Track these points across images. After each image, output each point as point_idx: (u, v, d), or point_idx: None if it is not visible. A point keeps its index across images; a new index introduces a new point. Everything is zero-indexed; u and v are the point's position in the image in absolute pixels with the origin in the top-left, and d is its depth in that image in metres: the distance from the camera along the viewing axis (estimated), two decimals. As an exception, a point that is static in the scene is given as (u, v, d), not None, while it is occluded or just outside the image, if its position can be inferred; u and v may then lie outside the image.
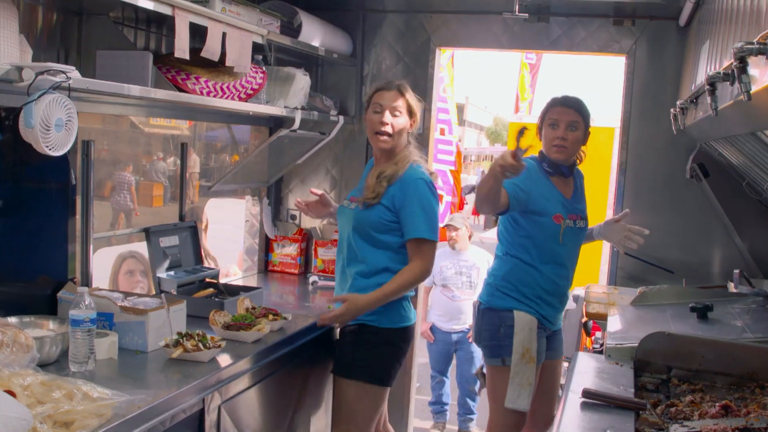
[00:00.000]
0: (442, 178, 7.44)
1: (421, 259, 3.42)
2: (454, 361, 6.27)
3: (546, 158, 3.71)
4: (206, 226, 5.22)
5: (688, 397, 2.35)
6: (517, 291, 3.66)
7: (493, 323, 3.69)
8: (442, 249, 6.27)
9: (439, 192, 7.31)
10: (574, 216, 3.67)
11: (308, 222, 5.11)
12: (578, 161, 3.83)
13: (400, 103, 3.47)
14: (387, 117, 3.45)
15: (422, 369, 5.84)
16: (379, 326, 3.46)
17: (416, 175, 3.43)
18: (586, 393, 2.19)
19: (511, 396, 3.61)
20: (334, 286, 3.70)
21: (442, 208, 7.30)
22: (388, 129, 3.45)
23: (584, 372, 2.51)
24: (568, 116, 3.67)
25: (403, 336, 3.53)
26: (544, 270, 3.66)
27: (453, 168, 7.69)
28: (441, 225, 6.20)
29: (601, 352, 2.82)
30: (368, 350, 3.48)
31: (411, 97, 3.51)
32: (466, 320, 5.96)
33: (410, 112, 3.50)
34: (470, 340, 5.93)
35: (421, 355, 5.26)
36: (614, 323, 3.19)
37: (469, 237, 6.25)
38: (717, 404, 2.23)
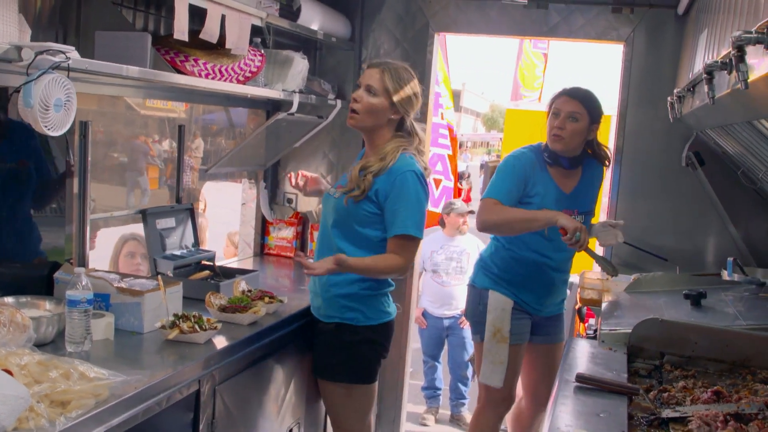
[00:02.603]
0: (441, 162, 7.44)
1: (403, 256, 3.18)
2: (446, 347, 6.30)
3: (547, 148, 3.74)
4: (204, 208, 5.24)
5: (680, 382, 2.37)
6: (496, 273, 3.79)
7: (474, 301, 3.88)
8: (432, 234, 6.29)
9: (438, 176, 7.31)
10: (570, 212, 3.68)
11: (304, 205, 5.11)
12: (606, 162, 3.89)
13: (375, 82, 3.20)
14: (358, 93, 3.23)
15: (415, 354, 5.87)
16: (358, 324, 3.28)
17: (406, 167, 3.18)
18: (580, 377, 2.20)
19: (484, 372, 3.79)
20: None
21: (438, 192, 7.30)
22: (356, 106, 3.22)
23: (578, 357, 2.53)
24: (570, 107, 3.68)
25: (384, 332, 3.37)
26: (525, 257, 3.75)
27: (450, 152, 7.69)
28: (446, 210, 6.22)
29: (594, 338, 2.83)
30: (348, 350, 3.32)
31: (389, 78, 3.20)
32: (458, 305, 5.98)
33: (387, 94, 3.20)
34: (462, 325, 5.96)
35: (413, 340, 5.28)
36: (608, 309, 3.21)
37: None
38: (709, 390, 2.25)
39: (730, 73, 2.04)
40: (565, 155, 3.72)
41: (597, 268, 4.20)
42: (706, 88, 2.54)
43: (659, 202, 4.54)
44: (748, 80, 1.90)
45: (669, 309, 3.13)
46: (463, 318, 5.90)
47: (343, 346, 3.31)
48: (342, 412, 3.42)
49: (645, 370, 2.53)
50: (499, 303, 3.75)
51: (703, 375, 2.51)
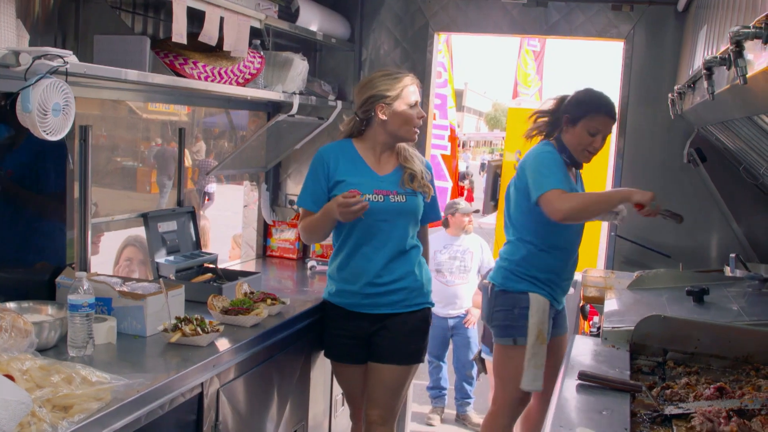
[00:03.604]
0: (432, 162, 7.44)
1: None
2: (450, 346, 6.29)
3: (566, 150, 3.72)
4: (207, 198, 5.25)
5: (683, 379, 2.36)
6: (532, 275, 3.73)
7: (507, 305, 3.76)
8: (435, 234, 6.29)
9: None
10: None
11: (306, 207, 5.10)
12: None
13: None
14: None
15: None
16: (432, 307, 3.64)
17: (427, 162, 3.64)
18: (582, 375, 2.20)
19: (527, 378, 3.69)
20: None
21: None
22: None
23: (581, 355, 2.52)
24: (608, 129, 3.71)
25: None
26: (555, 254, 3.73)
27: (446, 152, 7.67)
28: (450, 210, 6.22)
29: (598, 336, 2.83)
30: (427, 332, 3.63)
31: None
32: (462, 305, 5.98)
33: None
34: (467, 325, 5.94)
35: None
36: (611, 307, 3.20)
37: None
38: (712, 386, 2.24)
39: (729, 68, 2.04)
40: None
41: (600, 265, 4.21)
42: (705, 84, 2.54)
43: (661, 199, 4.51)
44: (747, 75, 1.90)
45: (672, 306, 3.12)
46: (469, 318, 5.87)
47: (427, 328, 3.60)
48: (403, 393, 3.57)
49: (648, 367, 2.52)
50: (540, 305, 3.70)
51: (706, 371, 2.50)
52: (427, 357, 6.24)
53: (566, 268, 3.77)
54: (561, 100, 3.86)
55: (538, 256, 3.73)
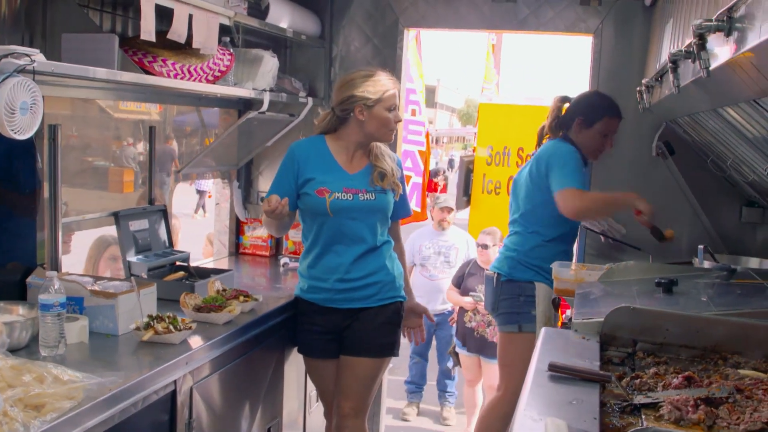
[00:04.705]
0: (411, 159, 7.46)
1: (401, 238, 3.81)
2: (432, 342, 6.30)
3: (577, 148, 3.96)
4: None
5: (652, 369, 2.38)
6: (538, 265, 3.95)
7: (512, 293, 4.00)
8: (421, 228, 6.32)
9: (408, 173, 7.32)
10: None
11: (279, 204, 5.09)
12: None
13: None
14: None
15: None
16: (403, 300, 3.66)
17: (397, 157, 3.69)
18: (552, 366, 2.21)
19: None
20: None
21: (409, 188, 7.31)
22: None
23: (552, 347, 2.54)
24: (617, 127, 4.02)
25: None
26: (561, 245, 4.00)
27: (422, 149, 7.70)
28: (434, 202, 6.24)
29: (569, 327, 2.85)
30: (400, 325, 3.66)
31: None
32: (446, 301, 5.98)
33: None
34: (452, 323, 5.95)
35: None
36: (581, 299, 3.22)
37: None
38: (680, 376, 2.26)
39: (693, 61, 2.06)
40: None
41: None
42: (671, 77, 2.57)
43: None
44: (710, 68, 1.93)
45: (641, 297, 3.14)
46: (454, 316, 5.87)
47: (399, 321, 3.62)
48: (375, 386, 3.60)
49: (618, 358, 2.54)
50: (547, 293, 3.89)
51: (675, 361, 2.52)
52: (408, 353, 6.28)
53: (567, 258, 4.00)
54: (561, 99, 4.13)
55: (546, 247, 3.96)
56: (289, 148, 3.55)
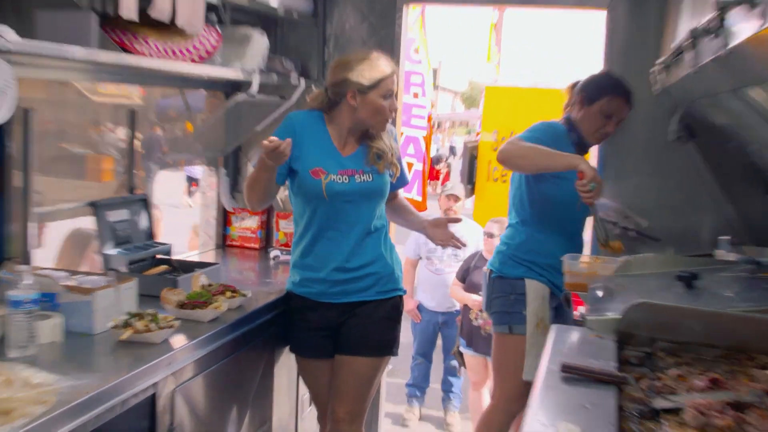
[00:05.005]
0: (414, 144, 7.44)
1: None
2: (438, 341, 6.27)
3: (576, 130, 3.89)
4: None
5: (673, 370, 2.35)
6: (530, 260, 3.86)
7: (503, 291, 3.90)
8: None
9: (410, 160, 7.29)
10: None
11: (270, 193, 5.06)
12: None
13: None
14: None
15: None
16: (403, 294, 3.64)
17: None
18: (565, 367, 2.18)
19: (529, 368, 3.77)
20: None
21: (410, 176, 7.28)
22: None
23: (564, 346, 2.51)
24: (624, 113, 3.89)
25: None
26: (558, 239, 3.86)
27: (425, 134, 7.68)
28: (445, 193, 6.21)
29: (582, 325, 2.82)
30: (400, 321, 3.63)
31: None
32: (455, 300, 5.93)
33: None
34: (458, 322, 5.91)
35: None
36: (595, 294, 3.19)
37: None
38: (704, 377, 2.23)
39: (714, 38, 2.02)
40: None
41: (585, 250, 4.20)
42: (690, 55, 2.53)
43: (648, 179, 4.52)
44: (732, 45, 1.88)
45: (661, 292, 3.11)
46: (461, 316, 5.82)
47: (399, 318, 3.61)
48: (373, 387, 3.56)
49: (636, 358, 2.51)
50: (538, 291, 3.83)
51: (698, 362, 2.49)
52: (410, 353, 6.25)
53: (566, 252, 3.74)
54: (573, 86, 4.03)
55: (538, 240, 3.86)
56: (287, 116, 3.54)
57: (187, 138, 4.56)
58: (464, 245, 3.88)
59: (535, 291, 3.82)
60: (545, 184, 3.81)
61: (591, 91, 3.85)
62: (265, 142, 3.16)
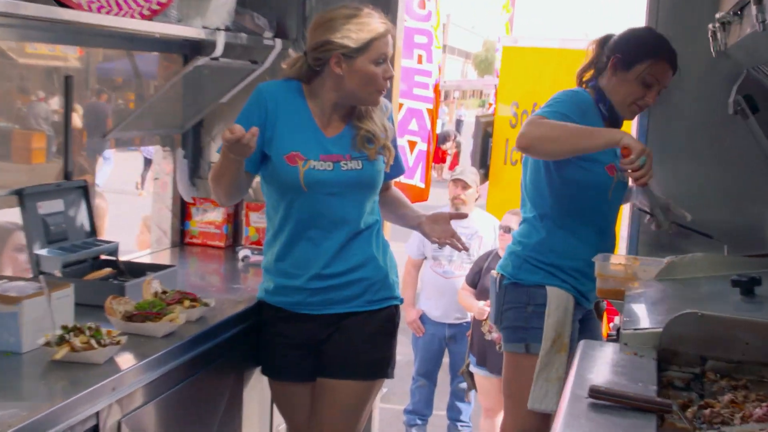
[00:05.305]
0: (417, 119, 7.44)
1: None
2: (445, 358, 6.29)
3: (606, 101, 3.82)
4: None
5: (727, 395, 2.37)
6: (551, 263, 3.81)
7: (518, 301, 3.84)
8: (435, 211, 6.28)
9: (413, 138, 7.29)
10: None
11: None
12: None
13: None
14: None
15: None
16: (399, 303, 3.66)
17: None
18: (594, 391, 2.20)
19: (536, 395, 3.73)
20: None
21: (413, 159, 7.29)
22: None
23: (594, 365, 2.53)
24: (667, 81, 3.82)
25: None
26: (586, 236, 3.83)
27: (430, 106, 7.67)
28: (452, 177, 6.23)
29: (616, 340, 2.84)
30: (395, 336, 3.65)
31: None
32: (465, 311, 5.94)
33: None
34: (468, 336, 5.91)
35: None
36: (633, 303, 3.21)
37: (476, 199, 6.23)
38: (764, 405, 2.25)
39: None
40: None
41: (621, 249, 4.22)
42: (755, 9, 2.54)
43: (699, 163, 4.53)
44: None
45: (713, 301, 3.14)
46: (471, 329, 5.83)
47: (394, 332, 3.64)
48: (363, 418, 3.59)
49: (681, 381, 2.53)
50: (561, 301, 3.77)
51: (757, 385, 2.52)
52: (410, 373, 6.26)
53: (598, 252, 3.74)
54: (602, 42, 3.94)
55: (560, 237, 3.81)
56: (257, 88, 3.53)
57: (135, 111, 4.56)
58: (465, 249, 3.86)
59: (557, 300, 3.76)
60: (569, 168, 3.73)
61: (629, 53, 3.77)
62: (226, 132, 3.15)
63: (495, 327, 4.13)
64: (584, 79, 3.96)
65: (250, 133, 3.13)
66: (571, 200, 3.79)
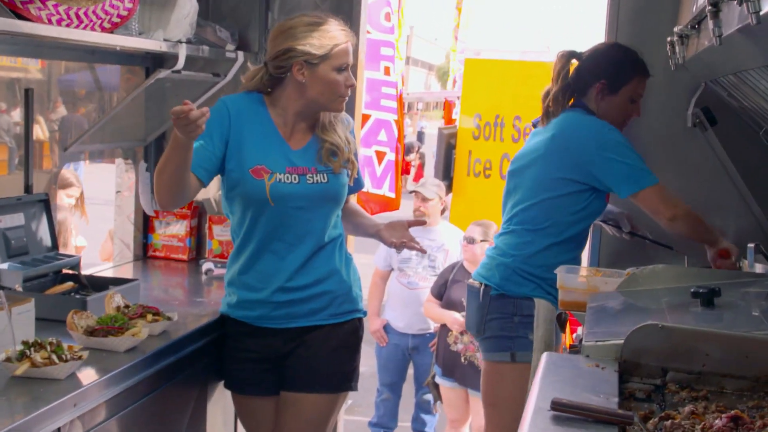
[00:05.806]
0: (385, 129, 7.43)
1: None
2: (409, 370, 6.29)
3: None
4: (81, 199, 5.20)
5: (688, 406, 2.38)
6: (540, 276, 3.88)
7: (505, 311, 3.91)
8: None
9: (382, 149, 7.29)
10: None
11: (201, 193, 5.04)
12: None
13: None
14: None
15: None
16: (363, 316, 3.69)
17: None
18: (557, 404, 2.20)
19: None
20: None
21: (381, 169, 7.28)
22: None
23: (554, 377, 2.53)
24: (644, 91, 4.04)
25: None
26: (573, 250, 3.98)
27: (396, 117, 7.68)
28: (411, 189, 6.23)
29: (578, 352, 2.84)
30: (359, 349, 3.68)
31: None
32: (429, 321, 5.94)
33: None
34: (432, 349, 5.90)
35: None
36: (594, 314, 3.22)
37: (442, 211, 6.24)
38: (724, 415, 2.26)
39: (740, 4, 2.05)
40: None
41: (583, 261, 4.23)
42: (711, 24, 2.56)
43: (659, 175, 4.48)
44: (761, 12, 1.91)
45: (673, 312, 3.15)
46: (436, 340, 5.83)
47: (358, 345, 3.67)
48: (327, 427, 3.60)
49: (642, 392, 2.54)
50: (548, 314, 3.85)
51: (717, 396, 2.53)
52: (375, 385, 6.25)
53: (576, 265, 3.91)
54: (567, 59, 4.05)
55: (555, 252, 3.90)
56: (219, 101, 3.53)
57: (96, 124, 4.53)
58: (424, 251, 3.87)
59: (545, 313, 3.84)
60: (602, 199, 3.95)
61: (614, 78, 3.91)
62: (176, 109, 3.05)
63: (470, 336, 4.16)
64: (570, 103, 4.06)
65: (200, 111, 3.04)
66: (579, 223, 3.93)
